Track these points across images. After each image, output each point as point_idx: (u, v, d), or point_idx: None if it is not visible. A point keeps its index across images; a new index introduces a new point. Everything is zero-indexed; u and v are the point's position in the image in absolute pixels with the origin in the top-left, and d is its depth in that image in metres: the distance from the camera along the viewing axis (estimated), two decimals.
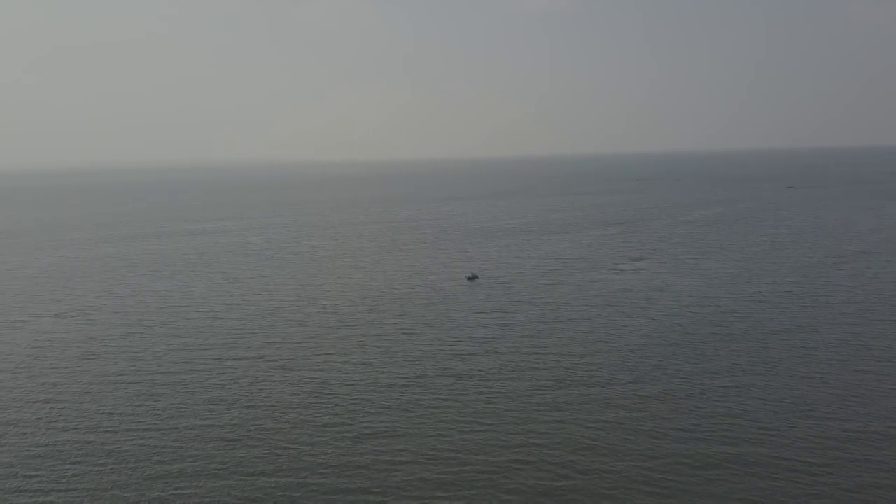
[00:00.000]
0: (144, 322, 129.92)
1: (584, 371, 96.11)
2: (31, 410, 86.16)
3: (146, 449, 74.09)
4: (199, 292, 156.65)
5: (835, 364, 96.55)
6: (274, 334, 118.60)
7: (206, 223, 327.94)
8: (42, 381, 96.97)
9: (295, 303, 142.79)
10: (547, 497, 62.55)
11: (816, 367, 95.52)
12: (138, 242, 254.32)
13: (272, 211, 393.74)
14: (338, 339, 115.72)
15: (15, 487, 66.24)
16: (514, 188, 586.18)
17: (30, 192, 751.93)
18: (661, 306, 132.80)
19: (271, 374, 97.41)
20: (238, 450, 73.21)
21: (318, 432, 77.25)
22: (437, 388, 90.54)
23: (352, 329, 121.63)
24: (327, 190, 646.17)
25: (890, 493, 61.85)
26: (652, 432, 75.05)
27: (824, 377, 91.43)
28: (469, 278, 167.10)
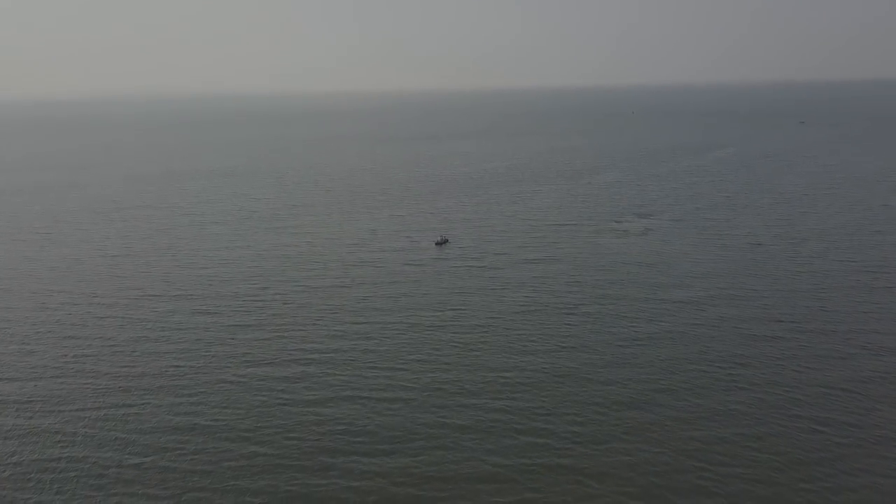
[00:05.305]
0: None
1: (569, 383, 62.19)
2: None
3: None
4: (88, 264, 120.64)
5: None
6: (153, 322, 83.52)
7: (146, 167, 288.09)
8: None
9: (203, 280, 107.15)
10: None
11: None
12: (43, 193, 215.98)
13: (223, 153, 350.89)
14: (250, 328, 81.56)
15: None
16: (499, 125, 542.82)
17: None
18: (676, 286, 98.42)
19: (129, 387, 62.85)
20: None
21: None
22: (361, 410, 56.79)
23: (269, 316, 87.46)
24: (299, 126, 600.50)
25: None
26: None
27: None
28: (437, 243, 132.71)
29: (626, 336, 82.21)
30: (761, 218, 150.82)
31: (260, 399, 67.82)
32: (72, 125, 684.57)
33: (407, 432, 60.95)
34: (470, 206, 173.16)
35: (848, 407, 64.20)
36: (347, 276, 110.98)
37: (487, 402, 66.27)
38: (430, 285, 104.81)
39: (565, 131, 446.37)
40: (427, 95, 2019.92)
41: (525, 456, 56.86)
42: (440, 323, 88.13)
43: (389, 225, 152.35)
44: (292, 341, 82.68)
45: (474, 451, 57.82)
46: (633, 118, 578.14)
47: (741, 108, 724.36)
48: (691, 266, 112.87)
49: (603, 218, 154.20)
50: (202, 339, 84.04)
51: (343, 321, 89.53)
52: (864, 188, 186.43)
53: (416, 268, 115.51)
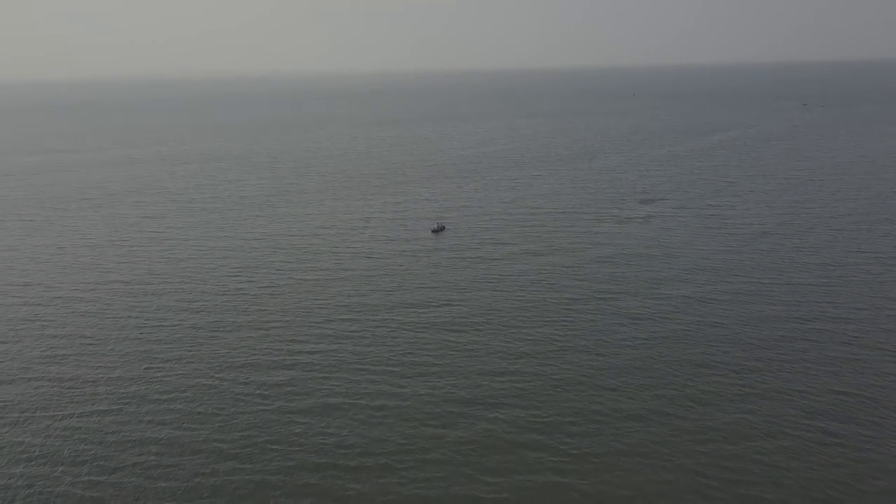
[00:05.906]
0: None
1: (566, 389, 58.32)
2: None
3: None
4: (70, 254, 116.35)
5: None
6: (131, 319, 79.47)
7: (130, 149, 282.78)
8: None
9: (187, 272, 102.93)
10: None
11: None
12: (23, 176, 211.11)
13: (218, 136, 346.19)
14: (232, 327, 77.38)
15: None
16: (503, 107, 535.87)
17: None
18: (680, 280, 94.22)
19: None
20: None
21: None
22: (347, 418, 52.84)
23: (254, 312, 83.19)
24: (298, 107, 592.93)
25: None
26: None
27: None
28: (434, 231, 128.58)
29: (627, 336, 78.20)
30: (766, 204, 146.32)
31: (236, 407, 63.86)
32: (94, 106, 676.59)
33: (394, 445, 57.10)
34: (468, 192, 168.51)
35: (863, 415, 60.33)
36: (339, 268, 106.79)
37: (481, 410, 62.33)
38: (424, 278, 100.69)
39: (565, 112, 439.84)
40: (427, 77, 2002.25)
41: (520, 472, 53.04)
42: (433, 320, 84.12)
43: (385, 212, 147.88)
44: (275, 342, 78.62)
45: (466, 466, 54.04)
46: (633, 100, 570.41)
47: (744, 89, 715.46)
48: (695, 258, 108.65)
49: (604, 205, 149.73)
50: (180, 339, 79.98)
51: (331, 318, 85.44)
52: (872, 173, 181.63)
53: (411, 258, 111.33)
